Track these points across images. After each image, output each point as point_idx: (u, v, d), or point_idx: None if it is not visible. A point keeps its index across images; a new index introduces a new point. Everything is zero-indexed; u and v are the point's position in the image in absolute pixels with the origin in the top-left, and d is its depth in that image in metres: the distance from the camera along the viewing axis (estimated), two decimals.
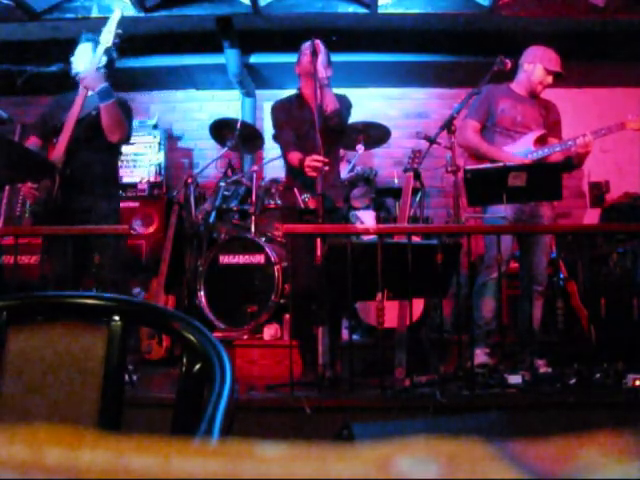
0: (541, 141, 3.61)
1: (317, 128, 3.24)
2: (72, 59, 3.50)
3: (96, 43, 3.44)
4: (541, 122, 3.67)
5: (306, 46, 3.52)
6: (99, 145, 3.44)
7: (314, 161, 3.24)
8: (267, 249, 3.99)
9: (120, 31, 3.42)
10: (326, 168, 3.25)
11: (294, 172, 3.54)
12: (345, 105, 3.58)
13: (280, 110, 3.68)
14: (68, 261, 3.20)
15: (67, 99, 3.51)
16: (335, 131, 3.53)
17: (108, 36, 3.39)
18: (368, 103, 5.62)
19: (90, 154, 3.42)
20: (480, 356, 3.31)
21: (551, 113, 3.73)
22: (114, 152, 3.62)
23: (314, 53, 3.33)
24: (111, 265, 3.34)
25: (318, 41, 3.42)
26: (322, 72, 3.40)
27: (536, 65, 3.64)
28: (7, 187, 4.66)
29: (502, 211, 3.33)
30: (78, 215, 3.33)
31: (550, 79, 3.64)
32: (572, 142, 3.47)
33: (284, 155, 3.67)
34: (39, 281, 3.68)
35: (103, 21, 3.53)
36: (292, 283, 3.28)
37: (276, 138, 3.79)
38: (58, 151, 3.30)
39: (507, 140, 3.60)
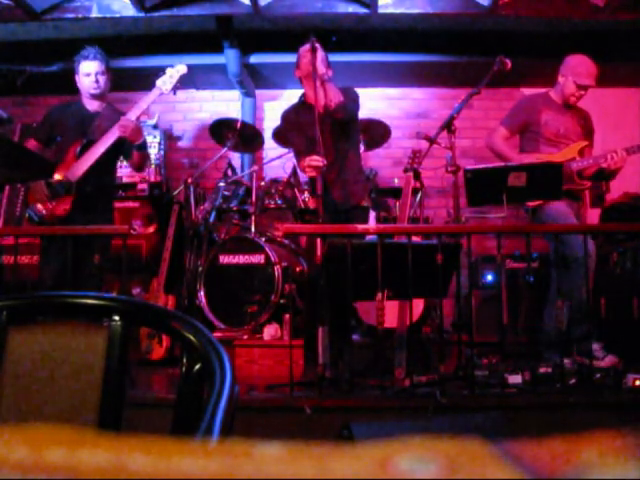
0: (582, 152, 3.71)
1: (317, 126, 3.23)
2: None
3: (104, 60, 3.57)
4: (581, 133, 3.76)
5: (304, 49, 3.52)
6: (113, 167, 3.74)
7: (313, 161, 3.24)
8: (267, 249, 3.99)
9: (179, 84, 3.58)
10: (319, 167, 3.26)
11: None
12: (350, 97, 3.54)
13: (287, 119, 3.70)
14: (66, 262, 3.21)
15: (72, 109, 3.66)
16: (344, 125, 3.52)
17: (167, 85, 3.55)
18: (368, 103, 5.61)
19: (104, 175, 3.60)
20: (600, 354, 3.32)
21: (588, 122, 3.83)
22: (116, 173, 3.91)
23: (313, 49, 3.33)
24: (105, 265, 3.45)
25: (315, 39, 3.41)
26: (321, 68, 3.40)
27: (567, 78, 3.68)
28: (7, 187, 4.66)
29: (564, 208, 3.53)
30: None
31: (582, 92, 3.69)
32: (603, 158, 3.57)
33: (297, 164, 3.73)
34: (38, 282, 3.72)
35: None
36: (300, 282, 3.28)
37: (277, 138, 3.79)
38: (81, 167, 3.40)
39: (552, 149, 3.69)
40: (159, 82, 3.57)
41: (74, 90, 3.74)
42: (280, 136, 4.60)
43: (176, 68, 3.60)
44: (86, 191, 3.42)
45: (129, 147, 3.55)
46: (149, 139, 5.21)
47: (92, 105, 3.66)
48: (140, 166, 3.74)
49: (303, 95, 3.68)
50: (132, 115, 3.46)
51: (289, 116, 3.72)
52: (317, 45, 3.36)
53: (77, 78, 3.63)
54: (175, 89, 3.57)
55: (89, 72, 3.57)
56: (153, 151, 5.18)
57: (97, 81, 3.58)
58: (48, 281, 3.45)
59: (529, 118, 3.72)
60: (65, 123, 3.60)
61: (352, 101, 3.54)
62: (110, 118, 3.59)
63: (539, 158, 3.57)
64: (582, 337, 3.28)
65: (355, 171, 3.67)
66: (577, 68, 3.66)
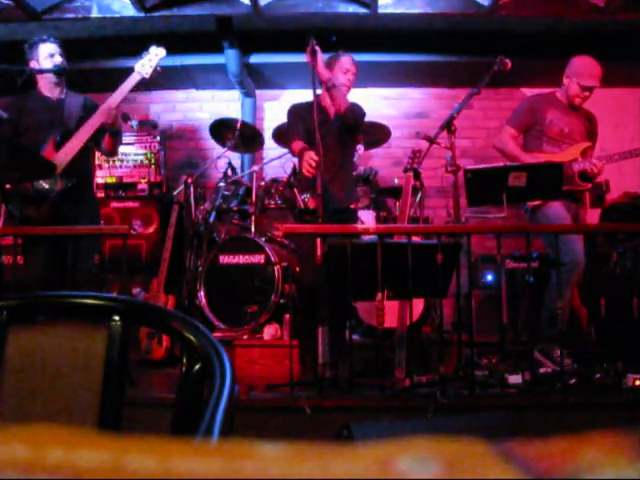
0: (585, 153, 3.73)
1: (316, 125, 3.23)
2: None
3: (59, 43, 3.43)
4: (585, 134, 3.78)
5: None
6: (90, 154, 3.67)
7: (311, 159, 3.23)
8: (267, 249, 3.99)
9: (159, 68, 3.47)
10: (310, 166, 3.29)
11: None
12: (358, 109, 3.58)
13: (295, 111, 3.71)
14: (57, 261, 3.17)
15: (33, 100, 3.48)
16: (351, 130, 3.56)
17: (147, 69, 3.44)
18: (368, 103, 5.60)
19: (86, 163, 3.56)
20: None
21: (592, 124, 3.84)
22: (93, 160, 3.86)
23: (312, 52, 3.33)
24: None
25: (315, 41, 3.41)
26: (325, 73, 3.41)
27: (571, 79, 3.69)
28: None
29: (561, 211, 3.57)
30: (70, 222, 3.31)
31: (587, 93, 3.71)
32: (589, 162, 3.62)
33: (288, 144, 3.71)
34: (24, 281, 3.67)
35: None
36: (298, 283, 3.28)
37: (277, 136, 3.77)
38: (64, 158, 3.29)
39: (555, 149, 3.70)
40: (138, 66, 3.44)
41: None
42: (280, 134, 4.59)
43: (154, 51, 3.49)
44: (71, 182, 3.32)
45: (103, 133, 3.44)
46: (149, 139, 5.22)
47: (53, 93, 3.47)
48: (111, 151, 3.64)
49: (317, 97, 3.68)
50: (114, 101, 3.35)
51: (297, 108, 3.71)
52: (317, 48, 3.36)
53: (34, 64, 3.39)
54: (155, 73, 3.45)
55: (52, 53, 3.38)
56: (153, 151, 5.18)
57: (61, 62, 3.41)
58: (36, 280, 3.38)
59: (535, 117, 3.73)
60: (31, 115, 3.41)
61: (359, 111, 3.58)
62: (77, 103, 3.49)
63: (549, 159, 3.58)
64: (547, 340, 3.41)
65: (352, 177, 3.79)
66: (580, 69, 3.67)
